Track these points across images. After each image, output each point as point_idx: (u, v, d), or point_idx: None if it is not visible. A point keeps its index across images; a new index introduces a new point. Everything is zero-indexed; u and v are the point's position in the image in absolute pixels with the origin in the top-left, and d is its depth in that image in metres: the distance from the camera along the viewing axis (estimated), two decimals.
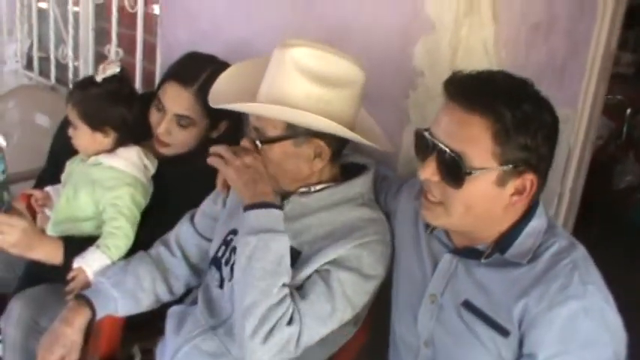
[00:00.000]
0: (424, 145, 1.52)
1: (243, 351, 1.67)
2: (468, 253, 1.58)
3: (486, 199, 1.48)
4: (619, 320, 1.47)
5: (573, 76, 2.85)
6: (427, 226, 1.68)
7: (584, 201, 3.64)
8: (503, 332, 1.48)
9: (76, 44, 3.41)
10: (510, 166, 1.43)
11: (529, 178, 1.46)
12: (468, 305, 1.55)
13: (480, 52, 2.10)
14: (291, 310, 1.66)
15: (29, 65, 3.81)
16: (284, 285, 1.67)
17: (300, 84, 1.70)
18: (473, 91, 1.45)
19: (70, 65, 3.43)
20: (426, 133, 1.51)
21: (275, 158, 1.77)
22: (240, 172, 1.74)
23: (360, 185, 1.85)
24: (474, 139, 1.43)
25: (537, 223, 1.54)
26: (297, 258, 1.77)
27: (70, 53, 3.44)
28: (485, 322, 1.51)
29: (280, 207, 1.75)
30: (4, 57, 3.90)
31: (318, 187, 1.83)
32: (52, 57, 3.59)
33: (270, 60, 1.78)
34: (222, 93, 1.87)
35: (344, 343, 1.89)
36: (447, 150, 1.45)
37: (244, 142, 1.80)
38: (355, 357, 1.93)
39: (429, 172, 1.50)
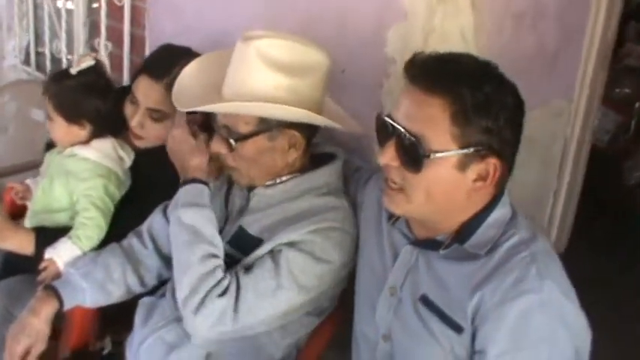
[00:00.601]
0: (384, 130, 1.47)
1: (184, 324, 1.71)
2: (428, 244, 1.53)
3: (447, 184, 1.42)
4: (581, 317, 1.41)
5: (567, 65, 2.79)
6: (390, 216, 1.64)
7: (594, 198, 3.58)
8: (457, 329, 1.44)
9: (69, 39, 3.42)
10: (471, 149, 1.38)
11: (492, 162, 1.39)
12: (424, 300, 1.50)
13: (456, 39, 2.06)
14: (225, 283, 1.67)
15: (27, 60, 3.82)
16: (212, 255, 1.70)
17: (268, 76, 1.69)
18: (433, 72, 1.40)
19: (64, 60, 3.43)
20: (386, 118, 1.46)
21: (249, 155, 1.75)
22: (183, 141, 1.84)
23: (326, 174, 1.83)
24: (432, 120, 1.38)
25: (500, 213, 1.48)
26: (257, 245, 1.75)
27: (64, 48, 3.44)
28: (440, 318, 1.47)
29: (204, 181, 1.81)
30: (4, 52, 3.92)
31: (284, 177, 1.81)
32: (47, 52, 3.60)
33: (231, 52, 1.76)
34: (186, 92, 1.85)
35: (307, 334, 1.87)
36: (406, 133, 1.40)
37: (216, 146, 1.78)
38: (323, 352, 1.90)
39: (387, 156, 1.45)
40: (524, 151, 2.33)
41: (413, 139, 1.39)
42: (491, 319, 1.37)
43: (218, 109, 1.74)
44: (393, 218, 1.63)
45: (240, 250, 1.79)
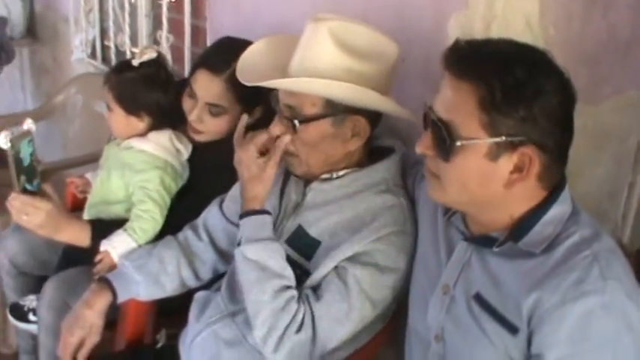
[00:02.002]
0: (425, 119, 1.42)
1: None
2: (483, 240, 1.46)
3: (479, 174, 1.35)
4: None
5: None
6: (446, 211, 1.57)
7: None
8: (512, 329, 1.35)
9: (133, 32, 3.44)
10: (503, 138, 1.30)
11: (527, 153, 1.31)
12: (478, 298, 1.43)
13: (520, 27, 1.97)
14: (300, 316, 1.62)
15: (93, 54, 3.88)
16: (283, 289, 1.64)
17: (339, 57, 1.63)
18: (465, 57, 1.33)
19: (128, 52, 3.46)
20: (427, 107, 1.41)
21: (311, 139, 1.69)
22: (248, 167, 1.72)
23: (384, 170, 1.77)
24: (460, 105, 1.32)
25: (559, 209, 1.39)
26: (316, 248, 1.72)
27: (128, 41, 3.47)
28: (493, 317, 1.39)
29: (265, 211, 1.72)
30: (71, 47, 3.98)
31: (341, 172, 1.76)
32: (112, 45, 3.64)
33: (298, 37, 1.71)
34: (251, 68, 1.79)
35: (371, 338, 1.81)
36: (437, 120, 1.35)
37: (276, 127, 1.72)
38: (377, 350, 1.85)
39: (423, 145, 1.40)
40: (596, 145, 2.22)
41: (443, 125, 1.34)
42: (549, 321, 1.29)
43: (286, 84, 1.67)
44: (449, 213, 1.56)
45: (298, 251, 1.75)
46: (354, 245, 1.65)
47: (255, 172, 1.71)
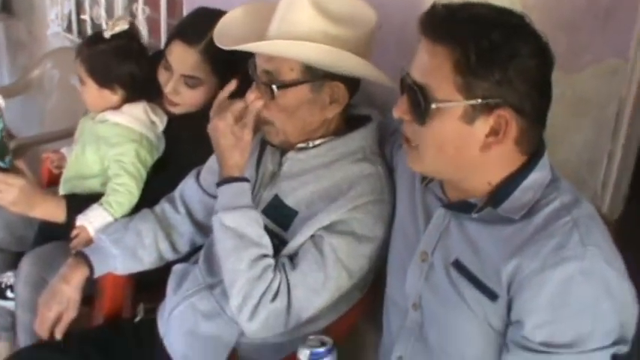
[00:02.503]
0: (402, 84, 1.40)
1: (241, 326, 1.66)
2: (461, 207, 1.44)
3: (455, 137, 1.33)
4: (627, 288, 1.30)
5: (621, 21, 2.63)
6: (423, 178, 1.56)
7: None
8: (491, 295, 1.34)
9: (109, 4, 3.39)
10: (479, 100, 1.28)
11: (503, 116, 1.29)
12: (457, 265, 1.41)
13: None
14: (276, 285, 1.61)
15: (69, 27, 3.82)
16: (260, 257, 1.62)
17: (317, 22, 1.60)
18: (440, 21, 1.31)
19: (104, 25, 3.40)
20: (404, 72, 1.39)
21: (289, 106, 1.67)
22: (224, 135, 1.68)
23: (361, 138, 1.75)
24: (436, 70, 1.30)
25: (538, 175, 1.38)
26: (293, 218, 1.70)
27: (104, 13, 3.42)
28: (473, 283, 1.37)
29: (244, 178, 1.70)
30: (47, 20, 3.93)
31: (318, 141, 1.74)
32: (88, 18, 3.59)
33: (276, 4, 1.67)
34: (226, 35, 1.76)
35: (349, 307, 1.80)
36: (413, 84, 1.34)
37: (252, 94, 1.69)
38: (356, 320, 1.85)
39: (400, 110, 1.39)
40: (575, 112, 2.20)
41: (418, 89, 1.33)
42: (528, 287, 1.28)
43: (263, 47, 1.63)
44: (426, 179, 1.55)
45: (274, 221, 1.73)
46: (330, 214, 1.63)
47: (232, 140, 1.68)
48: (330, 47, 1.57)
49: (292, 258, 1.66)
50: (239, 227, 1.64)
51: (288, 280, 1.61)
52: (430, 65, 1.32)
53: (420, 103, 1.33)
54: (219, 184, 1.70)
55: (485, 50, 1.26)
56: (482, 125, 1.31)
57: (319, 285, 1.62)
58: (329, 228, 1.63)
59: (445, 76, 1.29)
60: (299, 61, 1.62)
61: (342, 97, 1.69)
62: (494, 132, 1.31)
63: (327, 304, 1.66)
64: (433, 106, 1.31)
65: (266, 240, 1.66)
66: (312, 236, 1.65)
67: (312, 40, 1.58)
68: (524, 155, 1.38)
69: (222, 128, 1.69)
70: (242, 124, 1.68)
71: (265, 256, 1.64)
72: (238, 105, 1.70)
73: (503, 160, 1.37)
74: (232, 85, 1.76)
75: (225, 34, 1.75)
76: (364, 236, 1.64)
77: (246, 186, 1.70)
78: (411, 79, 1.35)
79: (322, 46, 1.57)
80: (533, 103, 1.31)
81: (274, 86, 1.64)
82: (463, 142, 1.34)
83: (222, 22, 1.79)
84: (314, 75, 1.64)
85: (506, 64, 1.26)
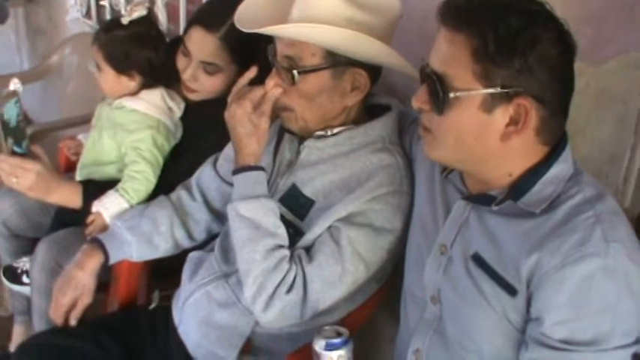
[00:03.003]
0: (421, 74, 1.38)
1: (255, 316, 1.65)
2: (481, 199, 1.42)
3: (474, 127, 1.31)
4: None
5: None
6: (443, 169, 1.53)
7: None
8: (511, 290, 1.32)
9: None
10: (498, 89, 1.26)
11: (522, 105, 1.26)
12: (477, 259, 1.39)
13: None
14: (291, 277, 1.59)
15: (88, 13, 3.81)
16: (275, 247, 1.61)
17: (340, 6, 1.58)
18: (460, 9, 1.29)
19: (123, 11, 3.38)
20: (423, 62, 1.37)
21: (309, 91, 1.65)
22: (242, 122, 1.67)
23: (380, 127, 1.72)
24: (455, 58, 1.28)
25: (560, 169, 1.35)
26: (310, 207, 1.68)
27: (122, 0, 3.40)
28: (492, 278, 1.35)
29: (260, 167, 1.68)
30: (67, 6, 3.92)
31: (336, 130, 1.72)
32: (107, 4, 3.57)
33: None
34: (247, 19, 1.73)
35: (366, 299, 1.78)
36: (432, 73, 1.32)
37: (272, 80, 1.67)
38: (372, 311, 1.83)
39: (419, 99, 1.37)
40: (598, 105, 2.17)
41: (436, 78, 1.31)
42: (549, 283, 1.25)
43: (287, 30, 1.61)
44: (446, 170, 1.52)
45: (291, 210, 1.72)
46: (348, 205, 1.61)
47: (250, 128, 1.67)
48: (354, 32, 1.55)
49: (309, 250, 1.64)
50: (255, 217, 1.62)
51: (304, 272, 1.60)
52: (449, 54, 1.30)
53: (439, 92, 1.31)
54: (235, 173, 1.69)
55: (505, 37, 1.23)
56: (502, 114, 1.29)
57: (336, 278, 1.60)
58: (346, 219, 1.61)
59: (464, 64, 1.27)
60: (321, 46, 1.60)
61: (363, 85, 1.67)
62: (514, 121, 1.29)
63: (344, 296, 1.65)
64: (451, 95, 1.29)
65: (282, 230, 1.64)
66: (329, 227, 1.63)
67: (336, 25, 1.55)
68: (545, 146, 1.35)
69: (239, 116, 1.67)
70: (260, 113, 1.66)
71: (281, 246, 1.62)
72: (257, 92, 1.68)
73: (523, 150, 1.34)
74: (252, 72, 1.75)
75: (247, 18, 1.73)
76: (382, 228, 1.62)
77: (262, 175, 1.68)
78: (429, 69, 1.33)
79: (346, 31, 1.55)
80: (553, 92, 1.28)
81: (295, 71, 1.62)
82: (482, 131, 1.31)
83: (244, 5, 1.77)
84: (336, 61, 1.62)
85: (527, 51, 1.23)
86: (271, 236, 1.61)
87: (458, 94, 1.29)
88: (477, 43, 1.25)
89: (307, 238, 1.65)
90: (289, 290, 1.59)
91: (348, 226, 1.60)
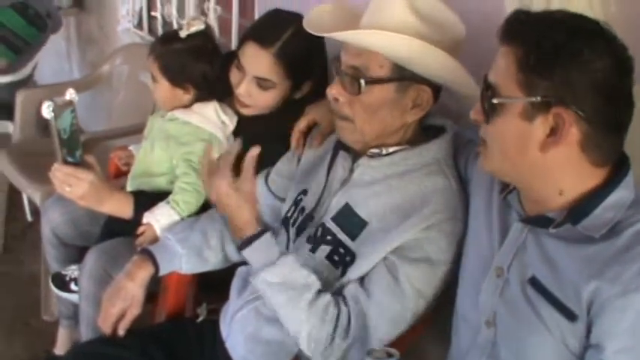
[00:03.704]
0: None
1: None
2: (539, 221, 1.40)
3: (516, 134, 1.33)
4: None
5: None
6: (501, 190, 1.52)
7: None
8: (570, 316, 1.30)
9: (180, 3, 3.40)
10: (538, 98, 1.28)
11: (560, 114, 1.27)
12: (534, 282, 1.37)
13: (581, 5, 1.89)
14: (345, 320, 1.61)
15: (140, 24, 3.85)
16: (315, 297, 1.62)
17: (410, 19, 1.58)
18: (513, 23, 1.33)
19: (175, 23, 3.43)
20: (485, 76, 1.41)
21: (373, 104, 1.64)
22: (228, 195, 1.72)
23: (436, 149, 1.71)
24: (503, 68, 1.33)
25: (621, 195, 1.32)
26: (363, 228, 1.67)
27: (175, 12, 3.43)
28: (551, 302, 1.33)
29: (263, 231, 1.70)
30: (118, 16, 3.97)
31: (391, 149, 1.71)
32: (159, 16, 3.61)
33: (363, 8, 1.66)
34: (317, 24, 1.73)
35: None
36: (484, 83, 1.37)
37: (333, 89, 1.67)
38: (420, 334, 1.81)
39: (475, 111, 1.42)
40: None
41: (486, 88, 1.36)
42: (610, 310, 1.23)
43: (361, 36, 1.59)
44: (505, 191, 1.51)
45: (343, 229, 1.70)
46: (404, 233, 1.60)
47: (236, 199, 1.71)
48: (426, 43, 1.55)
49: (363, 282, 1.63)
50: (285, 279, 1.62)
51: (364, 312, 1.60)
52: (499, 65, 1.34)
53: (487, 101, 1.36)
54: (241, 248, 1.70)
55: (548, 49, 1.26)
56: (542, 124, 1.30)
57: (397, 316, 1.61)
58: (401, 253, 1.60)
59: (510, 73, 1.31)
60: (390, 57, 1.59)
61: (425, 102, 1.66)
62: (553, 132, 1.30)
63: (404, 331, 1.64)
64: (495, 101, 1.34)
65: (313, 277, 1.64)
66: (385, 259, 1.62)
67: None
68: (599, 168, 1.34)
69: (225, 189, 1.72)
70: (243, 179, 1.72)
71: (319, 292, 1.63)
72: (229, 157, 1.76)
73: (568, 165, 1.33)
74: (237, 146, 1.83)
75: (315, 23, 1.73)
76: (439, 260, 1.61)
77: (268, 236, 1.69)
78: (484, 80, 1.38)
79: (418, 41, 1.54)
80: (596, 108, 1.27)
81: (362, 80, 1.61)
82: (523, 140, 1.33)
83: (312, 12, 1.78)
84: (402, 74, 1.61)
85: (568, 64, 1.25)
86: (307, 289, 1.62)
87: (501, 100, 1.33)
88: (522, 54, 1.29)
89: (361, 265, 1.64)
90: (346, 335, 1.60)
91: (405, 262, 1.59)
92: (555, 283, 1.33)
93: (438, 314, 1.74)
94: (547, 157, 1.32)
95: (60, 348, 2.60)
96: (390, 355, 1.42)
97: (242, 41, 2.13)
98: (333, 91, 1.67)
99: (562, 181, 1.35)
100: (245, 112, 2.17)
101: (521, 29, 1.31)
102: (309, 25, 1.72)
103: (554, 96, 1.27)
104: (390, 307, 1.59)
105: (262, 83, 2.09)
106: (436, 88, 1.67)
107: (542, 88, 1.27)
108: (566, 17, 1.32)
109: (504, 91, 1.32)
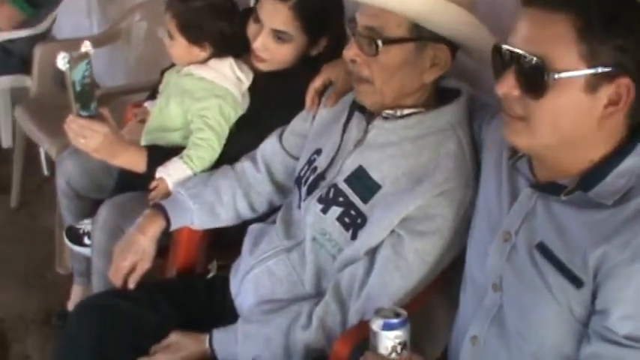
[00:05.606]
0: (501, 60, 1.33)
1: None
2: (550, 188, 1.38)
3: (576, 110, 1.27)
4: None
5: None
6: (511, 156, 1.49)
7: None
8: (576, 282, 1.29)
9: None
10: (602, 68, 1.22)
11: (624, 84, 1.23)
12: (541, 248, 1.35)
13: None
14: (334, 308, 1.68)
15: None
16: (296, 318, 1.70)
17: None
18: None
19: None
20: (503, 46, 1.32)
21: (391, 64, 1.62)
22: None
23: (450, 113, 1.69)
24: (557, 38, 1.24)
25: (633, 162, 1.30)
26: (375, 192, 1.67)
27: None
28: (557, 269, 1.32)
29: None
30: None
31: (406, 111, 1.69)
32: None
33: None
34: None
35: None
36: (527, 55, 1.26)
37: (350, 50, 1.65)
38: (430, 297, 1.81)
39: (506, 85, 1.30)
40: None
41: (535, 60, 1.25)
42: (617, 276, 1.22)
43: None
44: (514, 157, 1.48)
45: (355, 191, 1.70)
46: (415, 199, 1.60)
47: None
48: (449, 3, 1.53)
49: (371, 254, 1.65)
50: (254, 346, 1.72)
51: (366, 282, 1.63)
52: (548, 35, 1.25)
53: (538, 75, 1.25)
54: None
55: (610, 16, 1.21)
56: (603, 95, 1.25)
57: (401, 291, 1.62)
58: (411, 226, 1.60)
59: (568, 45, 1.23)
60: (408, 16, 1.57)
61: (443, 62, 1.64)
62: (612, 102, 1.25)
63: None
64: (556, 76, 1.24)
65: (279, 319, 1.72)
66: (392, 233, 1.61)
67: None
68: (626, 131, 1.32)
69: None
70: None
71: (298, 314, 1.71)
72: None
73: (613, 133, 1.31)
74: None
75: None
76: (448, 229, 1.61)
77: (232, 330, 1.77)
78: (523, 51, 1.28)
79: (450, 4, 1.53)
80: None
81: (379, 41, 1.59)
82: (583, 113, 1.27)
83: None
84: (420, 34, 1.59)
85: (631, 30, 1.21)
86: (282, 334, 1.70)
87: (561, 75, 1.24)
88: (583, 23, 1.22)
89: (371, 230, 1.65)
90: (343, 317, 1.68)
91: (415, 237, 1.60)
92: (563, 250, 1.32)
93: (450, 278, 1.74)
94: (601, 128, 1.29)
95: (73, 304, 2.62)
96: (397, 314, 1.42)
97: None
98: (350, 52, 1.65)
99: (599, 148, 1.32)
100: (261, 66, 2.15)
101: None
102: None
103: (617, 64, 1.22)
104: (393, 283, 1.61)
105: (279, 36, 2.07)
106: (454, 48, 1.65)
107: (605, 56, 1.22)
108: None
109: (562, 64, 1.24)
